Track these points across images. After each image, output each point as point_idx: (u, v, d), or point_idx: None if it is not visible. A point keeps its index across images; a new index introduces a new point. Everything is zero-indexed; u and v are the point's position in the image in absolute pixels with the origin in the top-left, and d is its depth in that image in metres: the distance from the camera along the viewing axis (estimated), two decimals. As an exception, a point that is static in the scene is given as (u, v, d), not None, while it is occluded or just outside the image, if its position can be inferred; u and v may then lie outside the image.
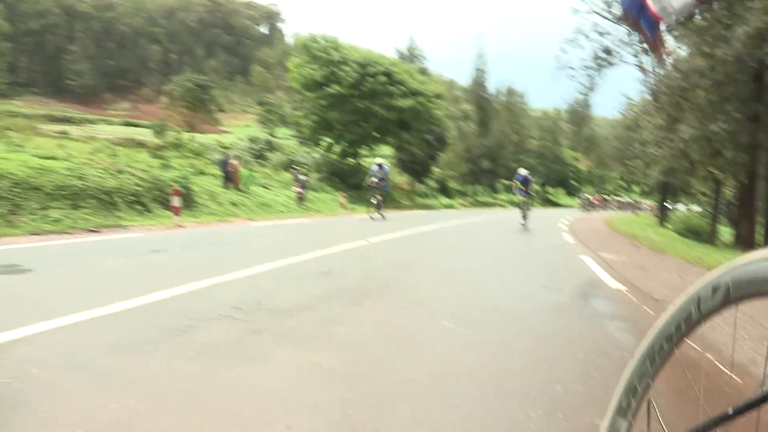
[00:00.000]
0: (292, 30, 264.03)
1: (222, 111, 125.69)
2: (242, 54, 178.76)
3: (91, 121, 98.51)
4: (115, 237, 9.83)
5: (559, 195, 74.59)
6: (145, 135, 67.90)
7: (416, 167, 46.80)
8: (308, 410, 2.28)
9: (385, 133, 39.28)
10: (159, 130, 67.23)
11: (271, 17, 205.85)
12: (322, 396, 2.45)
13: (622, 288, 5.95)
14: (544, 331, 3.85)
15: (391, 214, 23.80)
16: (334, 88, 36.80)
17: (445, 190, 57.88)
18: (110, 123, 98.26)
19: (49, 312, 3.68)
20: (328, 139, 39.54)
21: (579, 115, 79.19)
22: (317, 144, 41.05)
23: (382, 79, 36.22)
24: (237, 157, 27.84)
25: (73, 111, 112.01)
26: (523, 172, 18.28)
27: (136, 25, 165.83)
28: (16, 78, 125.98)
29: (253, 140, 56.15)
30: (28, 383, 2.46)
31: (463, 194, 58.53)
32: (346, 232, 13.15)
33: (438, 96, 39.53)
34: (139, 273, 5.84)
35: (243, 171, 24.91)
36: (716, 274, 0.89)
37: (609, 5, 23.96)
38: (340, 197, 26.97)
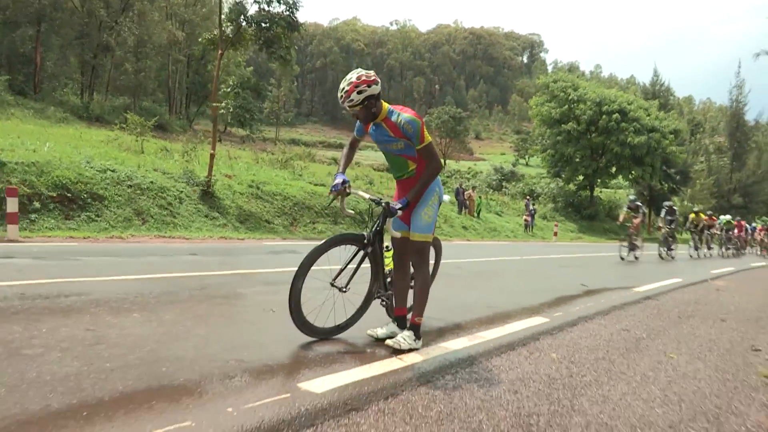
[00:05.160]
0: (554, 57, 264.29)
1: (479, 139, 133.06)
2: (501, 84, 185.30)
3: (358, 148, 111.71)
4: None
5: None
6: (404, 161, 76.41)
7: (655, 201, 47.00)
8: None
9: (620, 167, 40.86)
10: (415, 158, 75.03)
11: (531, 47, 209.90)
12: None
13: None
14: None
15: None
16: (570, 126, 39.66)
17: (689, 225, 56.25)
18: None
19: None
20: (566, 172, 42.33)
21: None
22: (557, 176, 43.93)
23: (616, 116, 38.08)
24: (473, 187, 32.41)
25: (344, 138, 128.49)
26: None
27: (403, 59, 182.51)
28: (300, 109, 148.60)
29: (497, 170, 60.70)
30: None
31: (710, 230, 56.25)
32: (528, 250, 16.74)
33: (675, 132, 39.89)
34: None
35: (477, 200, 29.25)
36: None
37: None
38: (554, 226, 30.65)
